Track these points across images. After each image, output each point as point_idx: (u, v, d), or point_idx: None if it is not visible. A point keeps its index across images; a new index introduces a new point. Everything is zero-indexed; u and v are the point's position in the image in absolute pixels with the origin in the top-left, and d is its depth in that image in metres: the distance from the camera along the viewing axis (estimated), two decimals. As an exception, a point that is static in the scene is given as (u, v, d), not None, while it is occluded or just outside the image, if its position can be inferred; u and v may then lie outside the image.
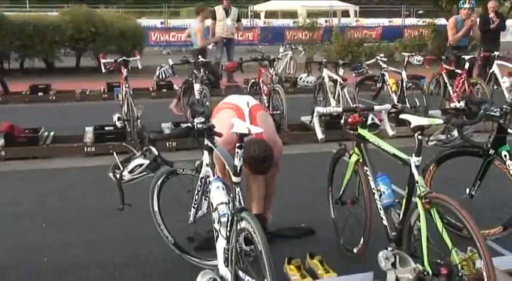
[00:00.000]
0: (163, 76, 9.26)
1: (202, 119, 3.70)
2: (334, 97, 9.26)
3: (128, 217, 4.98)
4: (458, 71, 10.02)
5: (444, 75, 10.29)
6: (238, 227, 3.22)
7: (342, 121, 4.24)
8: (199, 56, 9.61)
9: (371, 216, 4.02)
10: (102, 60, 8.96)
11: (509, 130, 4.33)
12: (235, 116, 4.28)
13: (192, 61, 9.32)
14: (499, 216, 4.76)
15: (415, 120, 3.47)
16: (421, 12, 33.19)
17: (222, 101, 4.78)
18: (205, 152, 3.83)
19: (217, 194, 3.52)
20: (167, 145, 7.87)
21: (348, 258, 4.38)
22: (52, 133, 8.36)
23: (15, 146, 7.68)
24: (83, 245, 4.78)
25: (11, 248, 4.71)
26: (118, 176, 3.68)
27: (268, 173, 4.35)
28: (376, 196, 3.88)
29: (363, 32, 27.28)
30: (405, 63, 10.04)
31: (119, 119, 8.26)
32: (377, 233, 3.98)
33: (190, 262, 4.35)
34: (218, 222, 3.45)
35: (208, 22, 13.96)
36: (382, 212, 3.83)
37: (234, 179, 3.37)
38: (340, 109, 4.25)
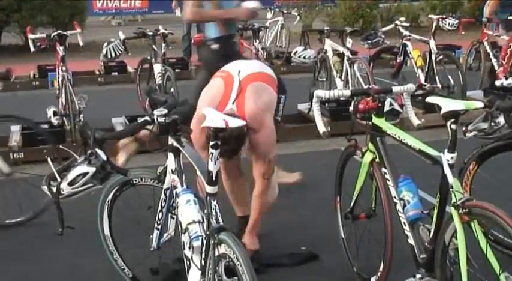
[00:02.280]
0: (113, 55, 9.23)
1: (165, 111, 3.69)
2: (340, 77, 9.28)
3: (70, 243, 4.97)
4: (505, 37, 10.06)
5: (486, 43, 10.33)
6: (216, 253, 3.21)
7: (351, 108, 4.24)
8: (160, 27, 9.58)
9: (392, 233, 4.03)
10: (31, 36, 8.91)
11: None
12: (222, 87, 4.51)
13: (150, 33, 9.29)
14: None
15: (447, 105, 3.47)
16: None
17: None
18: (170, 155, 3.83)
19: (187, 211, 3.51)
20: (120, 146, 7.84)
21: (364, 290, 4.40)
22: (-34, 135, 8.31)
23: None
24: (10, 284, 4.77)
25: None
26: (55, 189, 3.66)
27: (233, 160, 4.59)
28: (399, 207, 3.89)
29: (378, -12, 27.36)
30: (434, 29, 10.07)
31: (54, 114, 8.22)
32: (401, 256, 4.00)
33: (155, 302, 4.36)
34: (189, 247, 3.44)
35: None
36: (407, 227, 3.84)
37: (209, 189, 3.36)
38: (348, 92, 4.25)
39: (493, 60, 10.17)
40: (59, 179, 3.65)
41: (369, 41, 10.02)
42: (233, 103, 4.45)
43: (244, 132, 4.21)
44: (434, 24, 10.12)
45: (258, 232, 4.83)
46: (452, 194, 3.41)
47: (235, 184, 4.96)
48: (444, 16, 10.56)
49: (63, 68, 8.27)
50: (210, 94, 4.58)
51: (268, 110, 4.58)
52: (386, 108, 4.14)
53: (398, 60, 10.08)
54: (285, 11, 15.85)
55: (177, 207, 3.66)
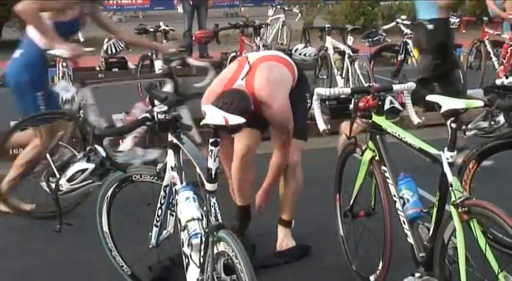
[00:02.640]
0: (114, 51, 9.22)
1: (165, 108, 3.69)
2: (341, 74, 9.28)
3: (68, 240, 4.97)
4: (506, 36, 10.06)
5: (487, 42, 10.32)
6: (215, 251, 3.21)
7: (352, 106, 4.24)
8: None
9: (392, 232, 4.03)
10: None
11: None
12: (235, 67, 4.64)
13: (151, 30, 9.29)
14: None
15: (447, 103, 3.47)
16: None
17: None
18: (170, 152, 3.83)
19: (187, 208, 3.51)
20: (120, 143, 7.84)
21: (363, 288, 4.39)
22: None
23: None
24: (8, 279, 4.77)
25: None
26: (53, 186, 3.66)
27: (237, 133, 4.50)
28: (398, 205, 3.88)
29: (379, -14, 27.33)
30: (435, 27, 10.07)
31: (55, 109, 8.21)
32: (400, 255, 3.99)
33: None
34: (188, 245, 3.44)
35: None
36: (406, 226, 3.83)
37: (208, 186, 3.36)
38: (348, 90, 4.24)
39: (494, 59, 10.16)
40: (57, 175, 3.65)
41: (370, 39, 10.02)
42: (242, 79, 4.50)
43: (245, 109, 4.18)
44: (436, 22, 10.10)
45: (271, 191, 4.89)
46: (452, 193, 3.41)
47: (246, 175, 4.92)
48: (446, 14, 10.55)
49: (64, 64, 8.26)
50: (222, 75, 4.72)
51: (279, 85, 4.58)
52: (387, 106, 4.14)
53: (399, 59, 10.09)
54: (286, 8, 15.85)
55: (177, 204, 3.67)
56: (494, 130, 4.47)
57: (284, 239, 4.98)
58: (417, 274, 3.69)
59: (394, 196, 3.93)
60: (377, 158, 4.14)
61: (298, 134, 4.73)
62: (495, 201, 3.31)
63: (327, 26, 10.24)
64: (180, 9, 14.50)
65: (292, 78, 4.74)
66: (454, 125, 3.47)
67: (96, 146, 3.62)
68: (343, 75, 9.26)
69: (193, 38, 10.69)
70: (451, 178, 3.45)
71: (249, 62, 4.58)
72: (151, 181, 4.10)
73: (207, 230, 3.31)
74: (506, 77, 9.10)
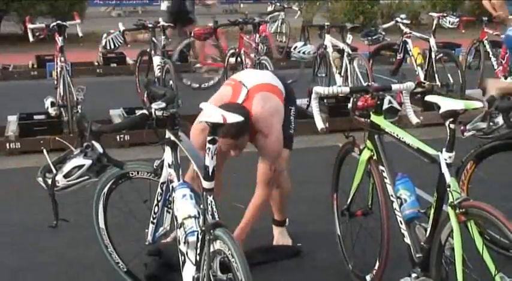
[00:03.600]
0: (112, 46, 9.21)
1: (163, 104, 3.68)
2: (340, 73, 9.27)
3: (64, 236, 4.96)
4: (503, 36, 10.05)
5: (486, 42, 10.31)
6: (212, 249, 3.21)
7: (350, 105, 4.23)
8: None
9: (389, 232, 4.02)
10: (30, 26, 8.89)
11: None
12: (230, 93, 4.54)
13: (150, 25, 9.28)
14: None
15: (446, 104, 3.46)
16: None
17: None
18: (167, 149, 3.82)
19: (183, 205, 3.50)
20: (118, 138, 7.84)
21: (359, 288, 4.38)
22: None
23: None
24: (2, 276, 4.75)
25: None
26: (50, 181, 3.64)
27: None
28: (396, 205, 3.88)
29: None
30: (434, 26, 10.06)
31: (52, 104, 8.20)
32: (397, 255, 3.99)
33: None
34: (185, 242, 3.43)
35: None
36: (403, 226, 3.83)
37: (205, 184, 3.35)
38: (347, 89, 4.24)
39: (493, 59, 10.17)
40: (54, 171, 3.63)
41: (369, 38, 9.99)
42: None
43: (240, 126, 4.16)
44: (435, 22, 10.11)
45: (247, 232, 4.66)
46: (450, 194, 3.40)
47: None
48: (445, 14, 10.55)
49: (62, 59, 8.26)
50: (217, 98, 4.58)
51: (275, 114, 4.56)
52: (385, 105, 4.12)
53: (398, 58, 10.07)
54: (285, 6, 15.84)
55: (173, 201, 3.66)
56: (493, 131, 4.47)
57: (280, 238, 4.98)
58: (413, 275, 3.69)
59: (392, 195, 3.93)
60: (375, 157, 4.14)
61: (284, 143, 4.71)
62: (492, 202, 3.30)
63: (326, 24, 10.21)
64: (163, 6, 14.22)
65: (282, 106, 4.68)
66: (452, 126, 3.45)
67: (94, 142, 3.60)
68: (342, 74, 9.25)
69: (192, 34, 10.67)
70: (449, 178, 3.45)
71: (246, 87, 4.53)
72: (148, 178, 4.10)
73: (203, 228, 3.30)
74: (505, 78, 9.13)
